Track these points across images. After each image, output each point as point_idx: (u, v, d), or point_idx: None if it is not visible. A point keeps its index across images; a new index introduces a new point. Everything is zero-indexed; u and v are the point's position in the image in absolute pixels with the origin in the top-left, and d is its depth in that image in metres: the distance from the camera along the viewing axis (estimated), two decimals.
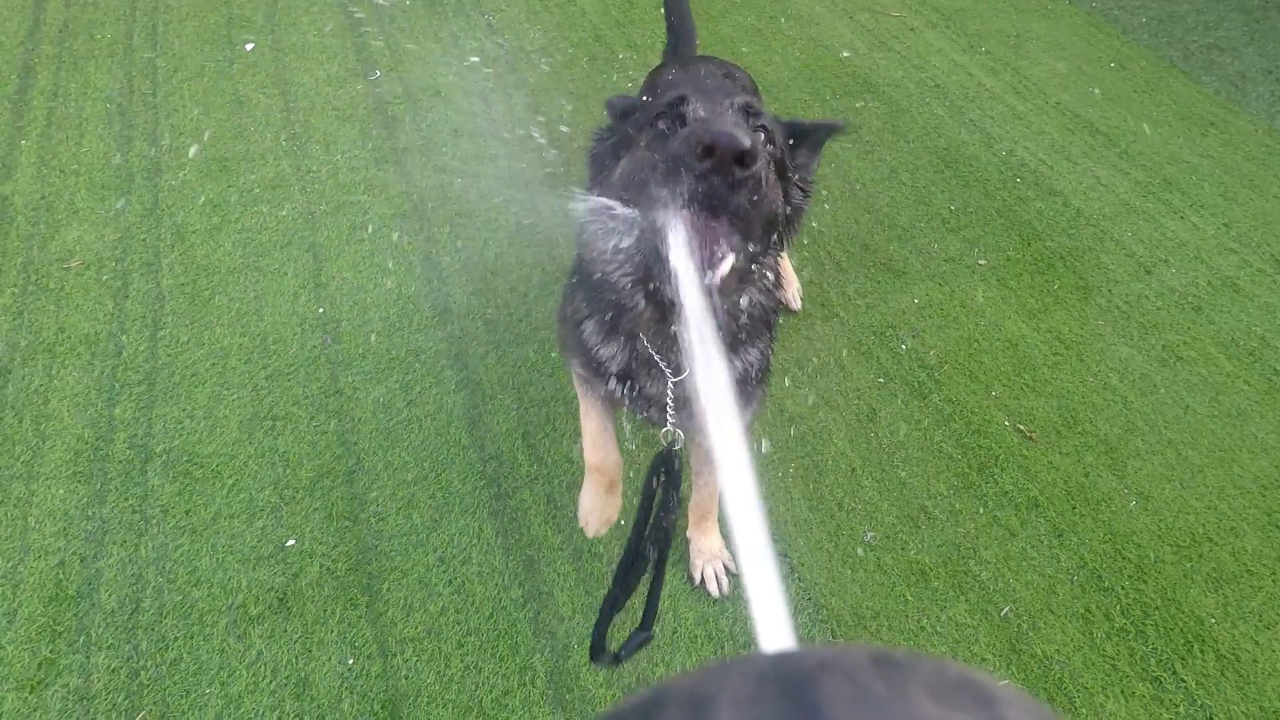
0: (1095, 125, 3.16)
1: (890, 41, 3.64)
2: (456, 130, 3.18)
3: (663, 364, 1.30)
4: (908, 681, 0.33)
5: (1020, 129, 3.13)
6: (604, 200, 1.11)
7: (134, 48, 3.67)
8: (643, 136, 1.13)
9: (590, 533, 1.73)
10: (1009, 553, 1.90)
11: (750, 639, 1.81)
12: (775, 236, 1.13)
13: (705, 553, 1.89)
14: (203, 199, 2.93)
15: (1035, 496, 2.00)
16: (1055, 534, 1.93)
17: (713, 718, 0.32)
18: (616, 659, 1.46)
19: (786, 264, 2.49)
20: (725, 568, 1.88)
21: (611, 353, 1.35)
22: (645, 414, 1.44)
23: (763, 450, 2.08)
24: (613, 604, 1.44)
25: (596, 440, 1.64)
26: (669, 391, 1.32)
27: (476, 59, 3.55)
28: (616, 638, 1.60)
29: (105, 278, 2.68)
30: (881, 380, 2.27)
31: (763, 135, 1.08)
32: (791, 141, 1.23)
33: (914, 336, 2.37)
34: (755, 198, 0.97)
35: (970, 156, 3.00)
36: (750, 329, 1.31)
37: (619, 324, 1.30)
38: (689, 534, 1.92)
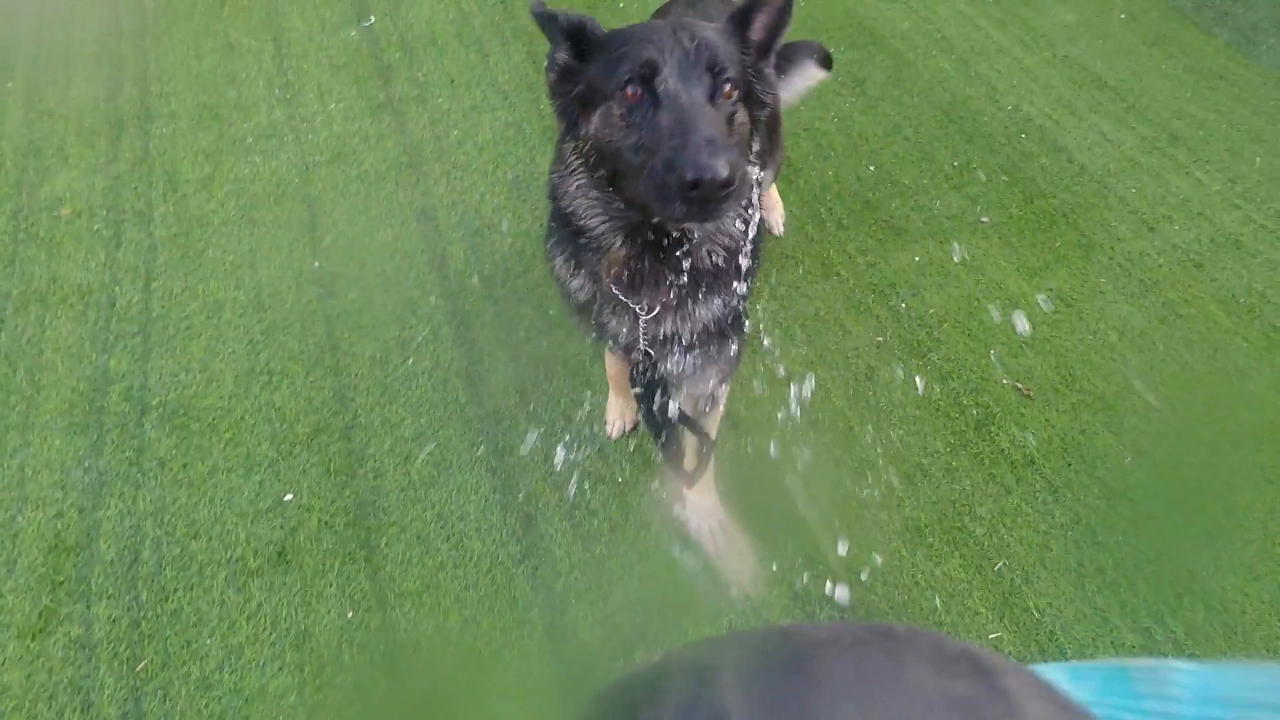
0: (1103, 79, 3.09)
1: None
2: (453, 80, 3.11)
3: (631, 303, 1.34)
4: (906, 653, 0.33)
5: (1027, 83, 3.07)
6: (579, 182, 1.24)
7: None
8: (614, 104, 1.16)
9: (611, 434, 2.06)
10: (1004, 509, 1.92)
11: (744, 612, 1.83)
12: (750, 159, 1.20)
13: (701, 509, 1.91)
14: (194, 147, 2.87)
15: (1031, 454, 2.01)
16: (1051, 490, 1.94)
17: (718, 688, 0.32)
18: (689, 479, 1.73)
19: (773, 190, 2.49)
20: (723, 524, 1.91)
21: (579, 285, 1.42)
22: (617, 349, 1.50)
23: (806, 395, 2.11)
24: (664, 439, 1.60)
25: (616, 366, 1.91)
26: (640, 328, 1.37)
27: (473, 5, 3.44)
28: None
29: (97, 227, 2.65)
30: (880, 339, 2.26)
31: (729, 85, 1.14)
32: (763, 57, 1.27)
33: (914, 295, 2.35)
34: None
35: (975, 111, 2.94)
36: (727, 260, 1.33)
37: (584, 262, 1.35)
38: (685, 490, 1.93)
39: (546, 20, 1.26)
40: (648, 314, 1.34)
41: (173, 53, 3.24)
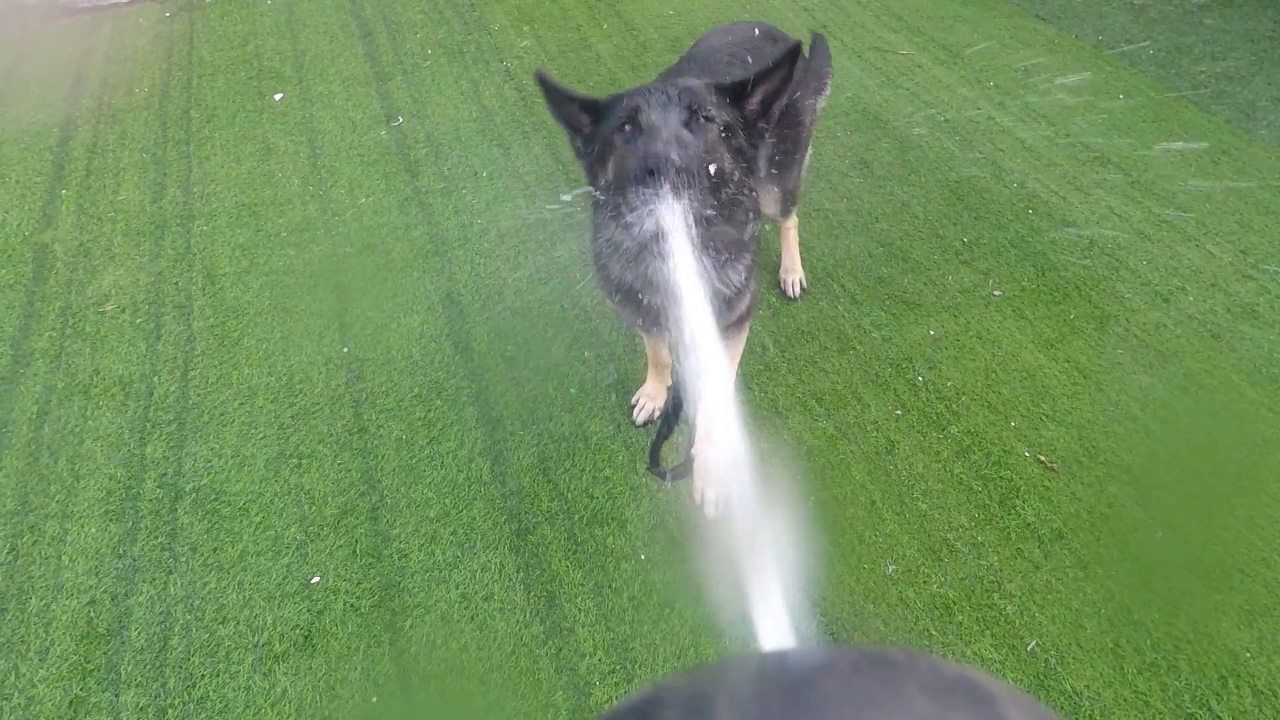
0: (1106, 156, 3.18)
1: (899, 78, 3.71)
2: (476, 173, 3.27)
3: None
4: (905, 681, 0.34)
5: (1030, 161, 3.16)
6: (612, 202, 1.52)
7: (169, 99, 3.82)
8: (618, 142, 1.47)
9: (637, 419, 2.28)
10: (1034, 585, 1.88)
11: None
12: (736, 180, 1.49)
13: (708, 475, 1.91)
14: (233, 243, 3.03)
15: (1059, 528, 1.98)
16: (1080, 566, 1.91)
17: (712, 717, 0.33)
18: (665, 476, 1.91)
19: (794, 251, 2.66)
20: (724, 497, 1.93)
21: (626, 287, 1.71)
22: (662, 331, 1.82)
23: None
24: (661, 436, 1.85)
25: (651, 346, 2.21)
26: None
27: (495, 104, 3.65)
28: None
29: (139, 320, 2.77)
30: (899, 412, 2.27)
31: (705, 121, 1.44)
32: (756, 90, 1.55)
33: (930, 368, 2.38)
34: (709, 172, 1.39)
35: (981, 189, 3.03)
36: (730, 250, 1.62)
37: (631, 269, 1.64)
38: (693, 451, 1.93)
39: (562, 97, 1.62)
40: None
41: (214, 157, 3.45)
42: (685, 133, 1.41)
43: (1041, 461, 2.13)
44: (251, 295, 2.83)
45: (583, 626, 1.88)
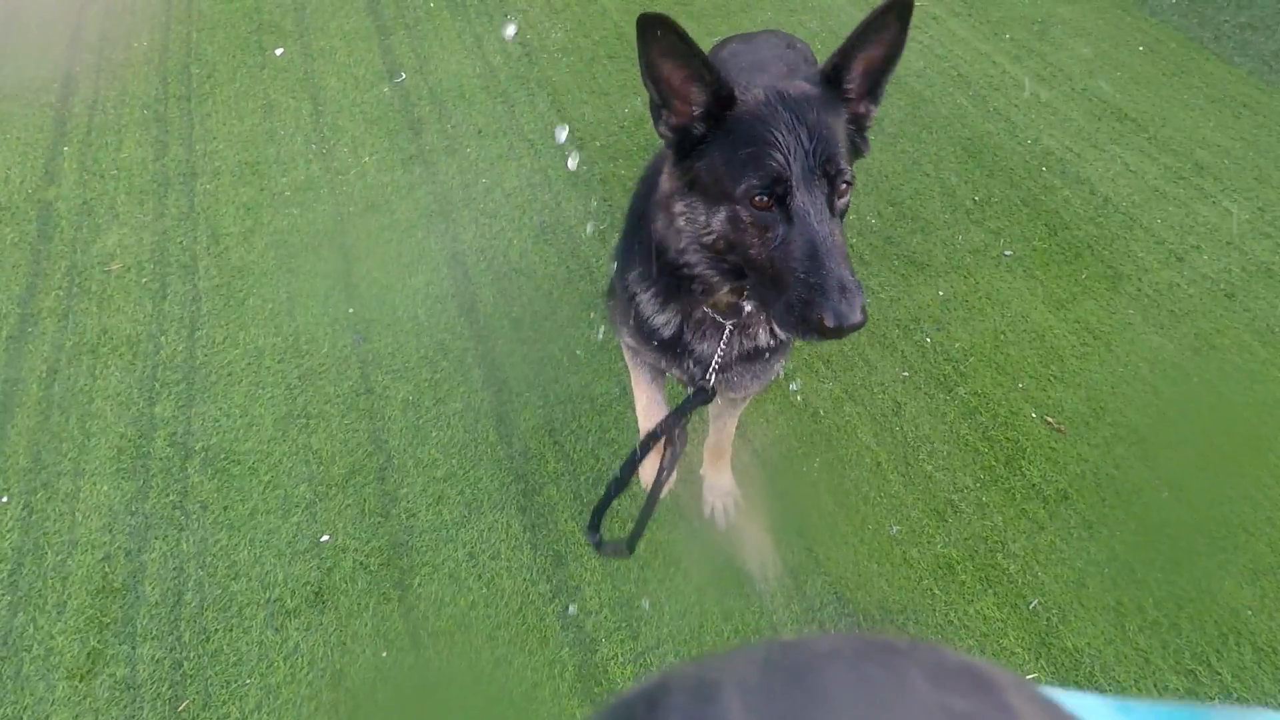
0: (1123, 110, 3.10)
1: (912, 31, 3.58)
2: (480, 131, 3.22)
3: (716, 334, 1.44)
4: (909, 668, 0.34)
5: (1046, 117, 3.09)
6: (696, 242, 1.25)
7: (169, 54, 3.76)
8: (741, 209, 1.16)
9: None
10: (1037, 545, 1.89)
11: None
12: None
13: (717, 489, 1.99)
14: (236, 202, 3.00)
15: (1064, 489, 1.98)
16: (1085, 526, 1.91)
17: (719, 703, 0.33)
18: (599, 546, 1.59)
19: None
20: (736, 502, 2.00)
21: (665, 320, 1.47)
22: (686, 374, 1.55)
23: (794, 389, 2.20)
24: (612, 491, 1.56)
25: (647, 409, 1.75)
26: (717, 356, 1.44)
27: (499, 59, 3.58)
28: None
29: (144, 280, 2.77)
30: (906, 374, 2.26)
31: (845, 186, 1.16)
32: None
33: (938, 329, 2.36)
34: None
35: (995, 146, 2.97)
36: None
37: (676, 298, 1.41)
38: (703, 472, 2.02)
39: (684, 50, 1.15)
40: (731, 331, 1.43)
41: (216, 114, 3.41)
42: (836, 228, 1.13)
43: (1049, 423, 2.12)
44: (256, 255, 2.82)
45: (589, 585, 1.90)
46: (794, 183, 1.12)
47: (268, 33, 3.84)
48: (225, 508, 2.14)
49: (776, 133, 1.12)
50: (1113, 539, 1.89)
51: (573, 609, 1.87)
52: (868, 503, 2.01)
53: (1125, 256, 2.53)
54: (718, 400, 1.73)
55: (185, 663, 1.88)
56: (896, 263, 2.56)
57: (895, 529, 1.95)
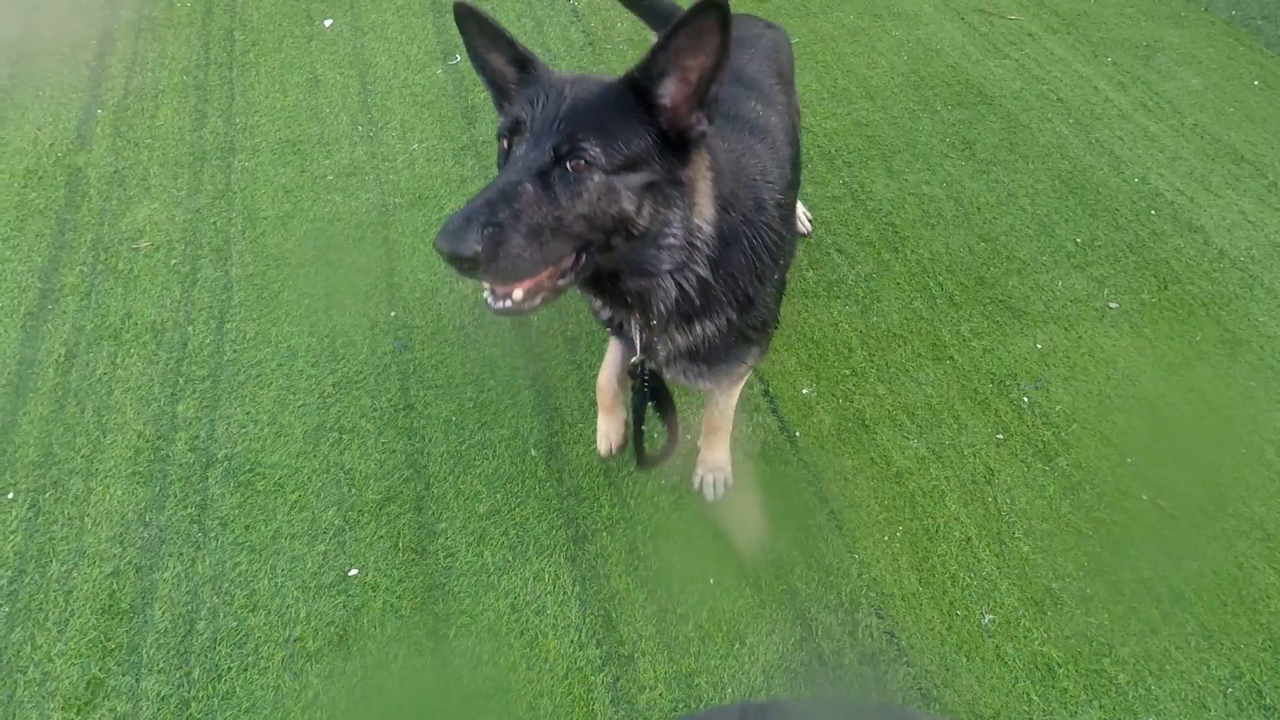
0: (1239, 151, 2.85)
1: (1006, 47, 3.35)
2: None
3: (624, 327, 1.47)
4: None
5: (1153, 153, 2.84)
6: None
7: (213, 17, 3.57)
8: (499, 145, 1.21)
9: (600, 451, 2.01)
10: (1150, 652, 1.68)
11: None
12: (651, 217, 1.17)
13: (709, 463, 1.96)
14: (275, 183, 2.81)
15: (1179, 587, 1.77)
16: (1204, 634, 1.70)
17: None
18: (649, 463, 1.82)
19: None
20: (726, 481, 1.97)
21: (598, 305, 1.50)
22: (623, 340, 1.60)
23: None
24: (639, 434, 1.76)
25: (603, 367, 1.92)
26: (636, 337, 1.46)
27: (561, 47, 3.36)
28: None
29: (174, 262, 2.59)
30: (1000, 436, 2.05)
31: (583, 162, 1.10)
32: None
33: (1037, 388, 2.14)
34: (567, 222, 1.09)
35: (1098, 182, 2.72)
36: (702, 292, 1.33)
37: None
38: (699, 443, 1.97)
39: (492, 35, 1.23)
40: (638, 337, 1.44)
41: (259, 85, 3.21)
42: (524, 186, 1.07)
43: (1161, 507, 1.90)
44: (294, 243, 2.63)
45: (643, 655, 1.71)
46: (524, 136, 1.13)
47: (317, 1, 3.64)
48: (247, 527, 1.96)
49: (537, 97, 1.15)
50: (1236, 653, 1.67)
51: (623, 680, 1.68)
52: (956, 584, 1.80)
53: (1244, 319, 2.29)
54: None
55: (193, 703, 1.70)
56: (990, 307, 2.34)
57: (988, 618, 1.74)
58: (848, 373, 2.19)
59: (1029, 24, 3.47)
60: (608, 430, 1.99)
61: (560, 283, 1.15)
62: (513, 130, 1.15)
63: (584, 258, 1.16)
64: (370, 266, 2.53)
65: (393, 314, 2.39)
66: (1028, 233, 2.55)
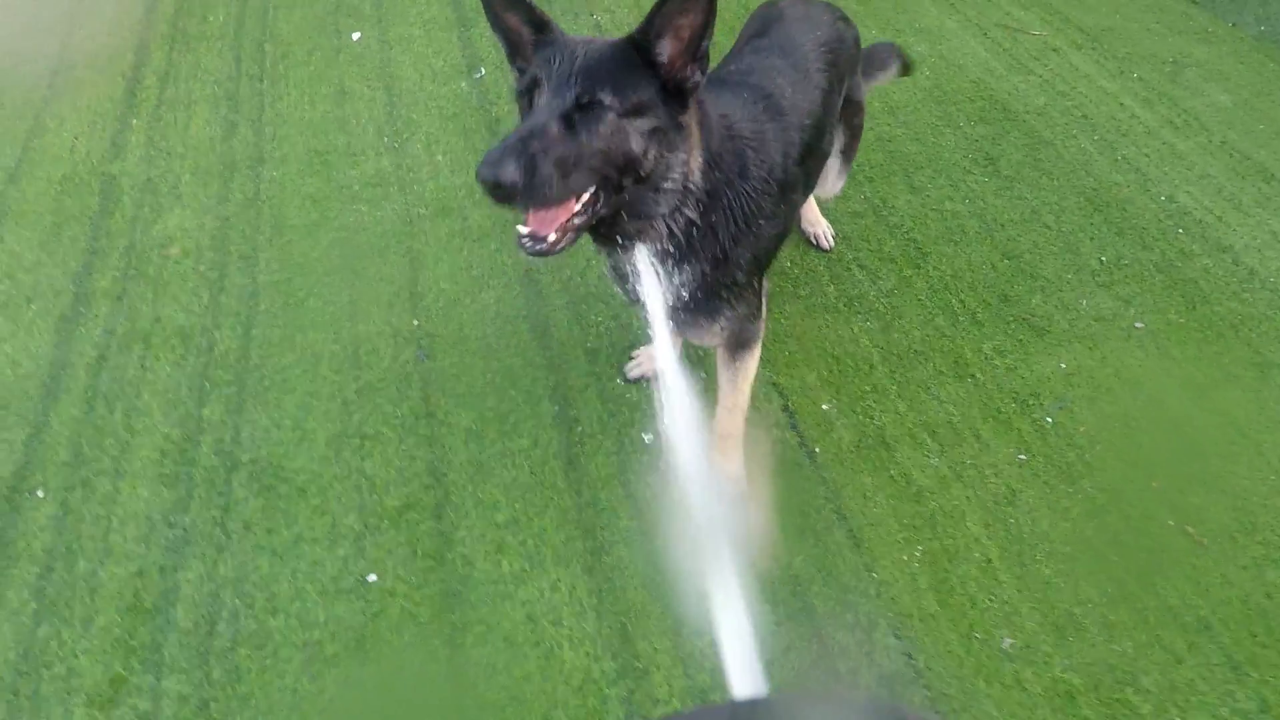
0: (1269, 169, 2.81)
1: (1030, 63, 3.33)
2: None
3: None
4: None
5: (1181, 170, 2.81)
6: None
7: (244, 30, 3.64)
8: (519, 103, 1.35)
9: (630, 373, 2.21)
10: (1174, 683, 1.65)
11: None
12: (656, 158, 1.33)
13: (721, 474, 1.95)
14: (303, 192, 2.86)
15: (1206, 616, 1.74)
16: (1231, 666, 1.67)
17: None
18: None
19: (813, 209, 2.53)
20: (741, 494, 1.96)
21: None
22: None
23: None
24: None
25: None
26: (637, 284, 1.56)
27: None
28: None
29: (203, 268, 2.64)
30: (1023, 457, 2.03)
31: (600, 106, 1.25)
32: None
33: (1061, 408, 2.12)
34: (587, 157, 1.24)
35: (1124, 200, 2.70)
36: (686, 243, 1.49)
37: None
38: (710, 453, 1.95)
39: (521, 3, 1.36)
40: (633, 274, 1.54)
41: (288, 96, 3.27)
42: (553, 124, 1.22)
43: (1189, 533, 1.87)
44: (320, 251, 2.67)
45: (658, 669, 1.71)
46: (542, 88, 1.26)
47: (346, 15, 3.71)
48: (269, 530, 1.99)
49: (554, 56, 1.28)
50: (1264, 686, 1.64)
51: (638, 694, 1.68)
52: (976, 606, 1.78)
53: (1275, 341, 2.26)
54: (720, 373, 1.85)
55: (213, 704, 1.72)
56: (1013, 325, 2.32)
57: (1008, 642, 1.72)
58: (868, 389, 2.18)
59: (1053, 39, 3.46)
60: (642, 359, 2.21)
61: (578, 221, 1.29)
62: (532, 86, 1.29)
63: (601, 196, 1.30)
64: (394, 275, 2.57)
65: (415, 323, 2.42)
66: (1052, 250, 2.53)
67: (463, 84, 3.31)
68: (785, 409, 2.16)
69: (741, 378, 1.84)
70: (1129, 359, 2.23)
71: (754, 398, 2.16)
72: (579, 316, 2.40)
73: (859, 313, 2.38)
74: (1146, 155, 2.88)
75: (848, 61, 1.99)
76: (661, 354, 1.63)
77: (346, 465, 2.10)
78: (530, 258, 1.30)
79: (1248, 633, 1.71)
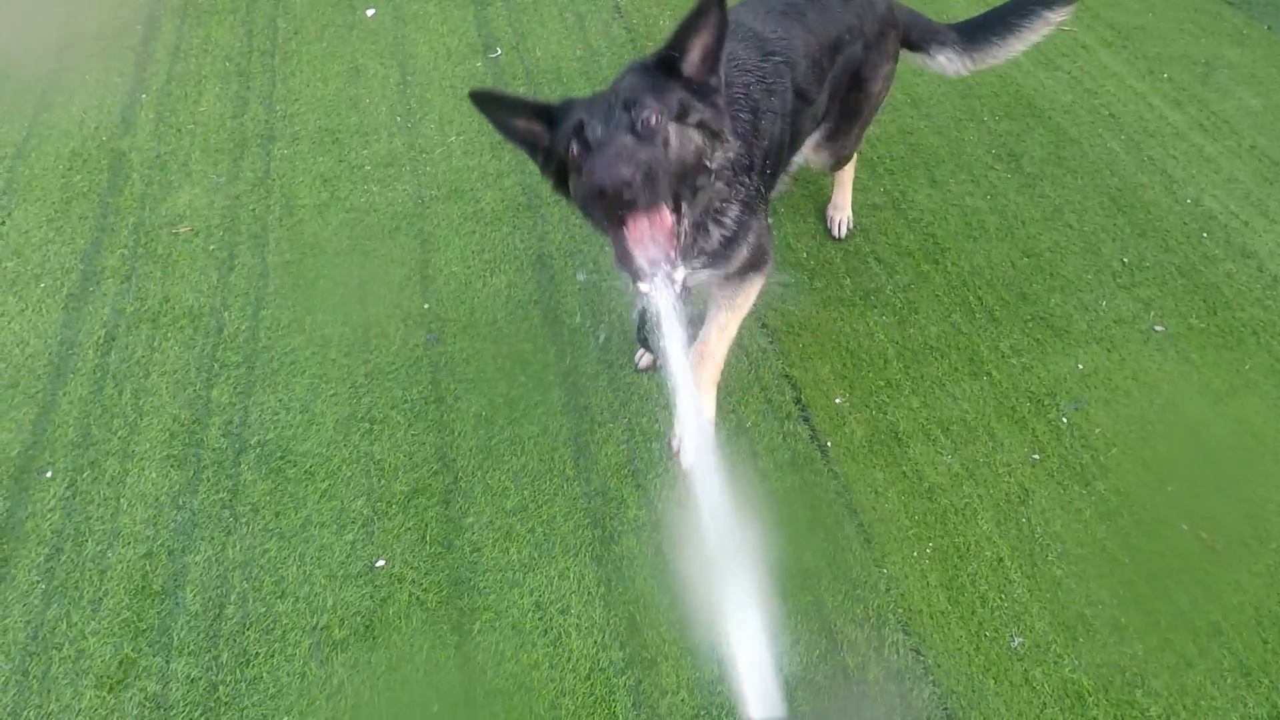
0: None
1: (1058, 59, 3.28)
2: None
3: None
4: None
5: (1208, 173, 2.77)
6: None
7: (256, 4, 3.60)
8: (571, 161, 1.41)
9: (639, 364, 2.20)
10: (1184, 686, 1.64)
11: None
12: (711, 157, 1.44)
13: (685, 423, 1.89)
14: (313, 171, 2.83)
15: (1218, 621, 1.73)
16: (1242, 671, 1.66)
17: None
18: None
19: (846, 191, 2.55)
20: (711, 439, 1.85)
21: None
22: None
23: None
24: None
25: None
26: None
27: (602, 43, 3.34)
28: None
29: (212, 247, 2.62)
30: (1037, 456, 2.01)
31: (653, 115, 1.34)
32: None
33: (1076, 409, 2.09)
34: (667, 162, 1.33)
35: (1148, 201, 2.66)
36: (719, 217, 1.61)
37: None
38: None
39: (508, 108, 1.53)
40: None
41: (300, 73, 3.23)
42: (630, 139, 1.32)
43: (1202, 538, 1.85)
44: (330, 232, 2.65)
45: (666, 659, 1.70)
46: (590, 123, 1.35)
47: None
48: (277, 514, 1.98)
49: (589, 102, 1.42)
50: (1275, 693, 1.63)
51: (645, 684, 1.68)
52: (985, 604, 1.77)
53: None
54: (714, 297, 1.84)
55: (221, 686, 1.73)
56: (1030, 324, 2.30)
57: (1017, 641, 1.71)
58: (882, 384, 2.16)
59: (1083, 36, 3.40)
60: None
61: (683, 227, 1.37)
62: (579, 128, 1.36)
63: (683, 207, 1.38)
64: (405, 258, 2.55)
65: (426, 306, 2.40)
66: (1073, 250, 2.50)
67: (478, 63, 3.27)
68: (798, 401, 2.14)
69: (742, 296, 1.81)
70: (1147, 362, 2.20)
71: (766, 388, 2.16)
72: (590, 303, 2.38)
73: (875, 307, 2.35)
74: (1173, 157, 2.84)
75: (874, 34, 1.97)
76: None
77: (355, 449, 2.09)
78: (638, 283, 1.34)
79: (1259, 639, 1.70)
